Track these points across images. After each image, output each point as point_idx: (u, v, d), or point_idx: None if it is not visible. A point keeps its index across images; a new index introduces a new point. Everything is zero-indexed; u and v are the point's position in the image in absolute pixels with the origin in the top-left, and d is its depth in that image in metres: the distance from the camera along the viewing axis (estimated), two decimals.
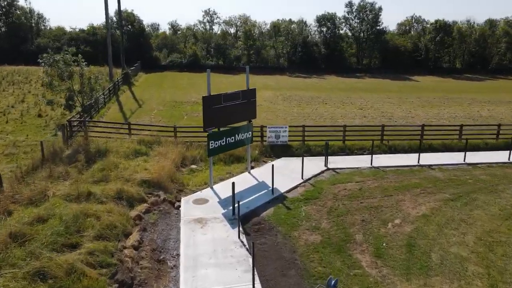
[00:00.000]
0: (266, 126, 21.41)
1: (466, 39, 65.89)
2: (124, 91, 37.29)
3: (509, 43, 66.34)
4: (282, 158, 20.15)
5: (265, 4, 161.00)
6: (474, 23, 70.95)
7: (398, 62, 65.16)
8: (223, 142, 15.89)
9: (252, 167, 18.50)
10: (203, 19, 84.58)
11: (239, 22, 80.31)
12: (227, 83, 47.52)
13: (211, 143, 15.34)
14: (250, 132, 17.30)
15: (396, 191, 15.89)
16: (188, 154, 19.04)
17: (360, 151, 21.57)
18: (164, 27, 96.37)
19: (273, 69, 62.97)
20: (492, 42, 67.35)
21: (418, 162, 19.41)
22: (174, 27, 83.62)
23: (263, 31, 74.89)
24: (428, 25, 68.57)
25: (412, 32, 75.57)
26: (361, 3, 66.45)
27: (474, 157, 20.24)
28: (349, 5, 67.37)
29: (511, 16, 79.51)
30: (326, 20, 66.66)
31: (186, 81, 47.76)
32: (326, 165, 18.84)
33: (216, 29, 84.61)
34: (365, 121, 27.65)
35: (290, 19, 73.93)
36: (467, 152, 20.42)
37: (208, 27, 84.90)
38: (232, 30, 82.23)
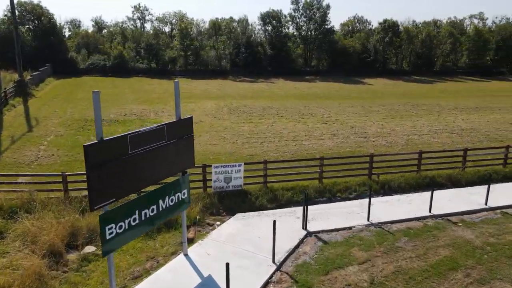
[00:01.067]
0: (210, 166, 14.42)
1: (414, 40, 64.08)
2: (14, 106, 27.86)
3: (453, 44, 65.78)
4: (238, 215, 13.31)
5: (204, 2, 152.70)
6: (420, 24, 69.80)
7: (347, 64, 61.47)
8: (134, 220, 8.65)
9: (191, 240, 11.45)
10: (133, 16, 75.01)
11: (174, 20, 72.04)
12: (161, 91, 39.57)
13: (109, 229, 8.04)
14: (186, 191, 10.26)
15: (427, 280, 9.82)
16: (82, 225, 11.42)
17: (345, 192, 15.46)
18: (87, 24, 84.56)
19: (215, 72, 55.84)
20: (436, 43, 66.39)
21: (430, 211, 13.69)
22: (98, 24, 73.00)
23: (202, 30, 67.38)
24: (377, 25, 65.84)
25: (358, 33, 72.77)
26: (308, 0, 61.66)
27: (494, 196, 14.99)
28: (295, 2, 62.30)
29: (453, 16, 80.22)
30: (271, 18, 60.92)
31: (109, 90, 38.92)
32: (305, 226, 12.37)
33: (148, 27, 75.46)
34: (337, 142, 21.75)
35: (231, 17, 67.33)
36: (480, 187, 15.41)
37: (139, 24, 75.43)
38: (167, 29, 73.79)
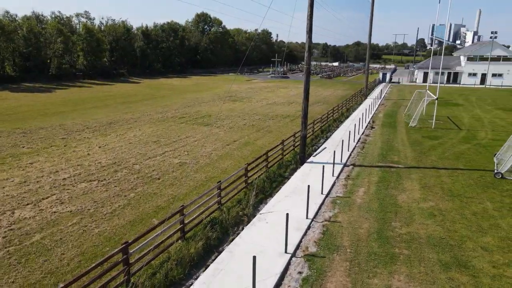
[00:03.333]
0: None
1: (13, 37, 49.37)
2: None
3: (66, 43, 56.59)
4: None
5: None
6: (17, 18, 54.91)
7: None
8: None
9: None
10: None
11: None
12: None
13: None
14: None
15: None
16: None
17: None
18: None
19: None
20: (45, 41, 54.84)
21: None
22: None
23: None
24: None
25: None
26: None
27: None
28: None
29: (58, 11, 70.03)
30: None
31: None
32: None
33: None
34: None
35: None
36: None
37: None
38: None
